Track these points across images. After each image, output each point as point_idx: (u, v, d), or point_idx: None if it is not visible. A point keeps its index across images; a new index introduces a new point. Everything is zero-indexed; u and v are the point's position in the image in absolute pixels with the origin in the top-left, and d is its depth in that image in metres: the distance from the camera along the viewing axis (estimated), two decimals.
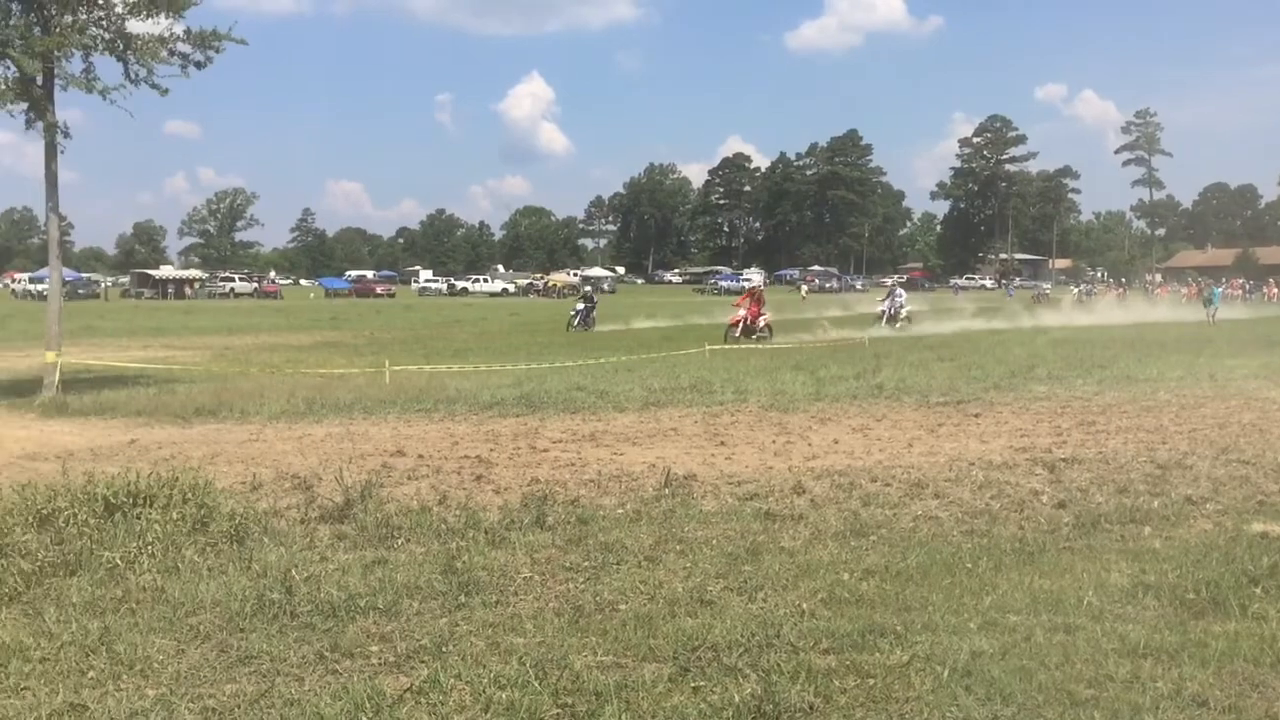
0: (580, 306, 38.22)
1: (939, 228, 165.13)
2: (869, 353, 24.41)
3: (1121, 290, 77.52)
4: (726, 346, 26.93)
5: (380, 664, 5.04)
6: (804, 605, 5.83)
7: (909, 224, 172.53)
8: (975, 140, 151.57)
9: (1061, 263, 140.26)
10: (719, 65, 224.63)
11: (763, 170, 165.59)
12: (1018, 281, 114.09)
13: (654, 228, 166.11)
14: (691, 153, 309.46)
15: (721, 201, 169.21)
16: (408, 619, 5.68)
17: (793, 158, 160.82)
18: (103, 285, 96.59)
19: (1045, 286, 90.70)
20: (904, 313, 37.36)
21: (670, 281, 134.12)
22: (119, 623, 5.56)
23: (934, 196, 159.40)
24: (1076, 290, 78.26)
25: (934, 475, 9.54)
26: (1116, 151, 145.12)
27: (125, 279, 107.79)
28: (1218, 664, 4.88)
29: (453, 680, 4.71)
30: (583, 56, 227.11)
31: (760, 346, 27.07)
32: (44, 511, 7.38)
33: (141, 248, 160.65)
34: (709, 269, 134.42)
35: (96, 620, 5.60)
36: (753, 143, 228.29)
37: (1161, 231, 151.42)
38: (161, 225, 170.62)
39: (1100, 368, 19.60)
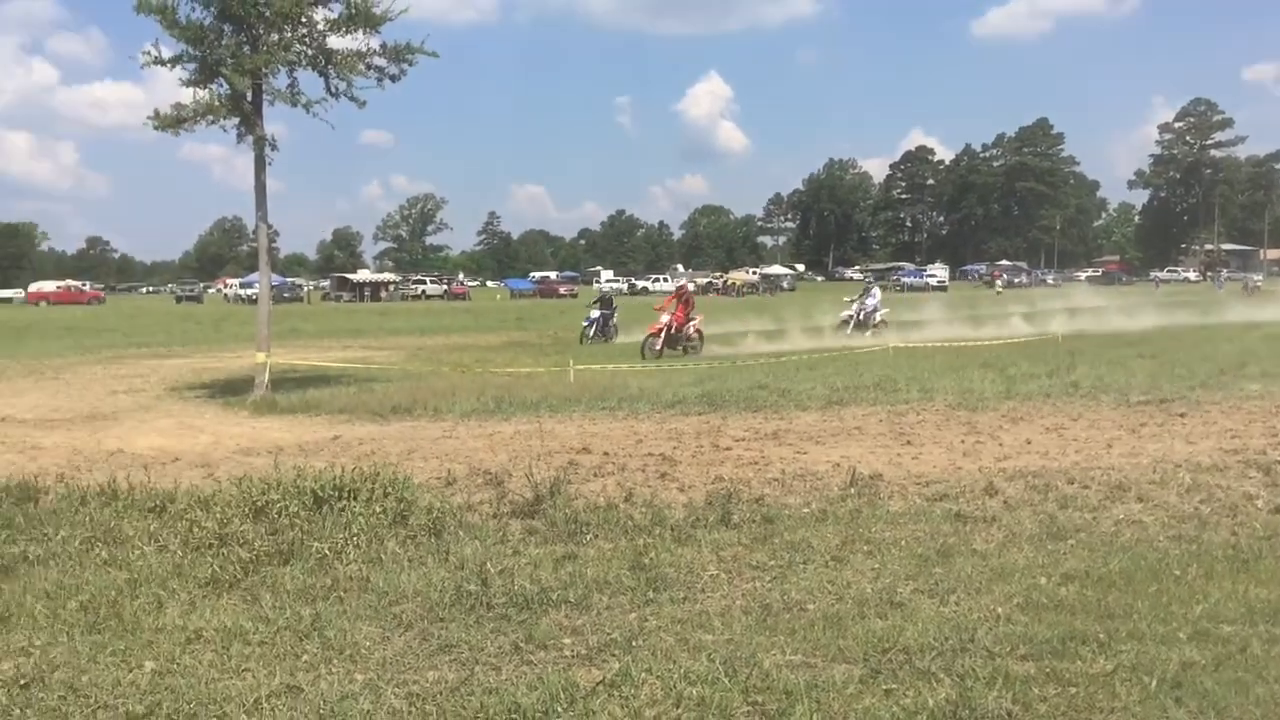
0: (595, 314, 32.20)
1: (1137, 218, 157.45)
2: (1062, 349, 23.47)
3: None
4: (647, 364, 22.77)
5: (573, 656, 5.16)
6: (999, 610, 5.67)
7: (1104, 215, 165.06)
8: (1177, 125, 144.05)
9: (1274, 253, 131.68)
10: (901, 57, 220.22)
11: (946, 163, 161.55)
12: (1225, 274, 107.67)
13: (834, 224, 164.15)
14: (872, 147, 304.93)
15: (904, 196, 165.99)
16: (598, 613, 5.80)
17: (978, 149, 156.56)
18: (305, 289, 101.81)
19: (1257, 278, 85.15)
20: (877, 316, 32.77)
21: (851, 278, 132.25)
22: (329, 610, 5.87)
23: (1131, 186, 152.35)
24: None
25: (1136, 478, 9.11)
26: None
27: (325, 283, 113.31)
28: None
29: (644, 674, 4.79)
30: (762, 53, 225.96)
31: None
32: (259, 503, 7.85)
33: (340, 253, 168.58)
34: (891, 265, 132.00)
35: (308, 607, 5.92)
36: (935, 135, 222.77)
37: None
38: (358, 231, 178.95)
39: None
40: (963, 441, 11.58)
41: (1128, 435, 11.70)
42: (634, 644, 5.26)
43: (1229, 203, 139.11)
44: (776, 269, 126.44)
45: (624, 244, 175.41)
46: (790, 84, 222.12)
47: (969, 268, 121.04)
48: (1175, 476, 9.09)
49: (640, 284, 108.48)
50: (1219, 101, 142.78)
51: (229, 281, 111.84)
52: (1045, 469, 9.73)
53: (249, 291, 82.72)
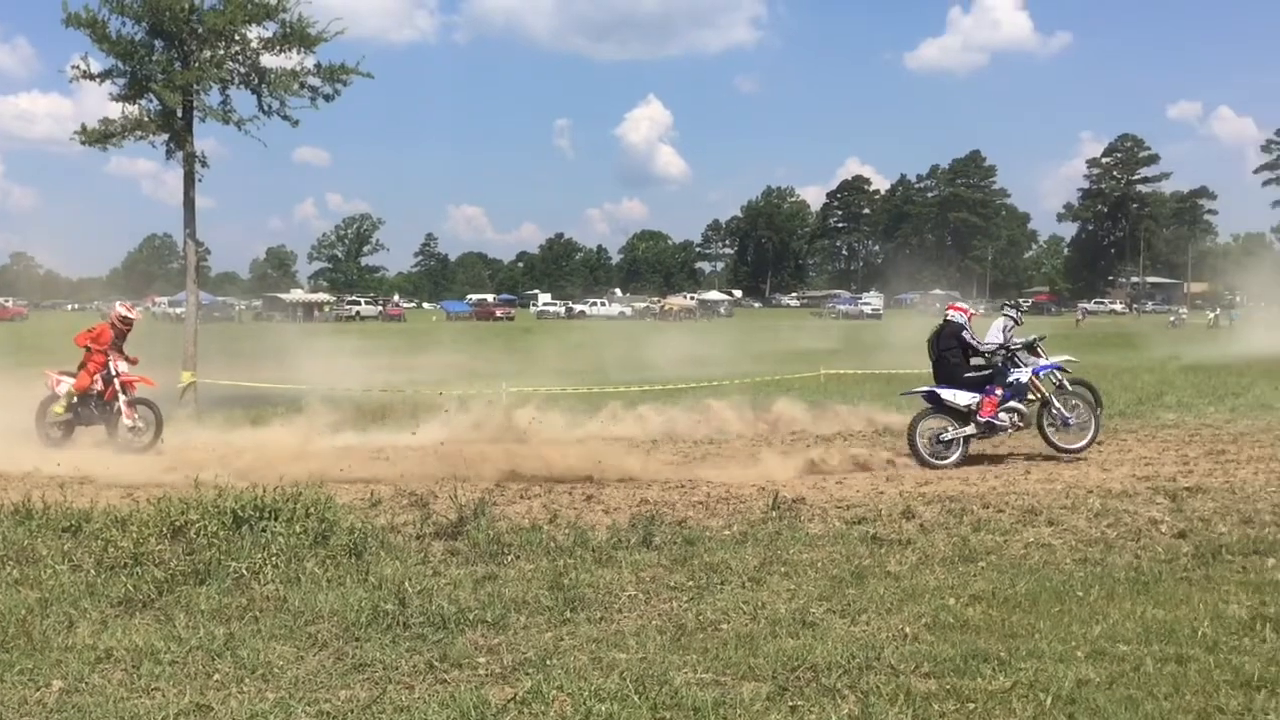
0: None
1: (1066, 250, 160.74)
2: None
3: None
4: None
5: (487, 675, 5.20)
6: (907, 629, 5.81)
7: (1034, 246, 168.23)
8: (1104, 160, 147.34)
9: (1197, 287, 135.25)
10: (838, 87, 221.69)
11: (882, 193, 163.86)
12: (1150, 305, 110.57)
13: (771, 251, 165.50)
14: (809, 175, 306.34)
15: (840, 225, 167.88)
16: (515, 632, 5.85)
17: (913, 179, 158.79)
18: (236, 308, 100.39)
19: (1182, 311, 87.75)
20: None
21: (788, 305, 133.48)
22: (243, 629, 5.85)
23: (1061, 218, 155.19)
24: (1212, 315, 75.32)
25: (1049, 502, 9.35)
26: (1256, 171, 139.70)
27: (258, 302, 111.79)
28: None
29: (555, 691, 4.85)
30: (701, 80, 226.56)
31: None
32: (177, 523, 7.79)
33: (273, 272, 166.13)
34: (827, 292, 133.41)
35: (223, 626, 5.90)
36: (871, 164, 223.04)
37: None
38: (292, 250, 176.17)
39: (1234, 395, 18.83)
40: (886, 467, 11.82)
41: (1045, 461, 12.01)
42: (548, 662, 5.32)
43: (1154, 236, 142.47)
44: (714, 295, 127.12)
45: (562, 267, 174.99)
46: (729, 111, 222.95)
47: (904, 296, 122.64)
48: (1086, 502, 9.34)
49: (578, 308, 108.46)
50: (1145, 137, 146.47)
51: (157, 299, 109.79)
52: (964, 494, 9.95)
53: (178, 310, 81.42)
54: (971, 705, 4.72)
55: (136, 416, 13.57)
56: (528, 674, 5.15)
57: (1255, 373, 24.95)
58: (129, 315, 14.42)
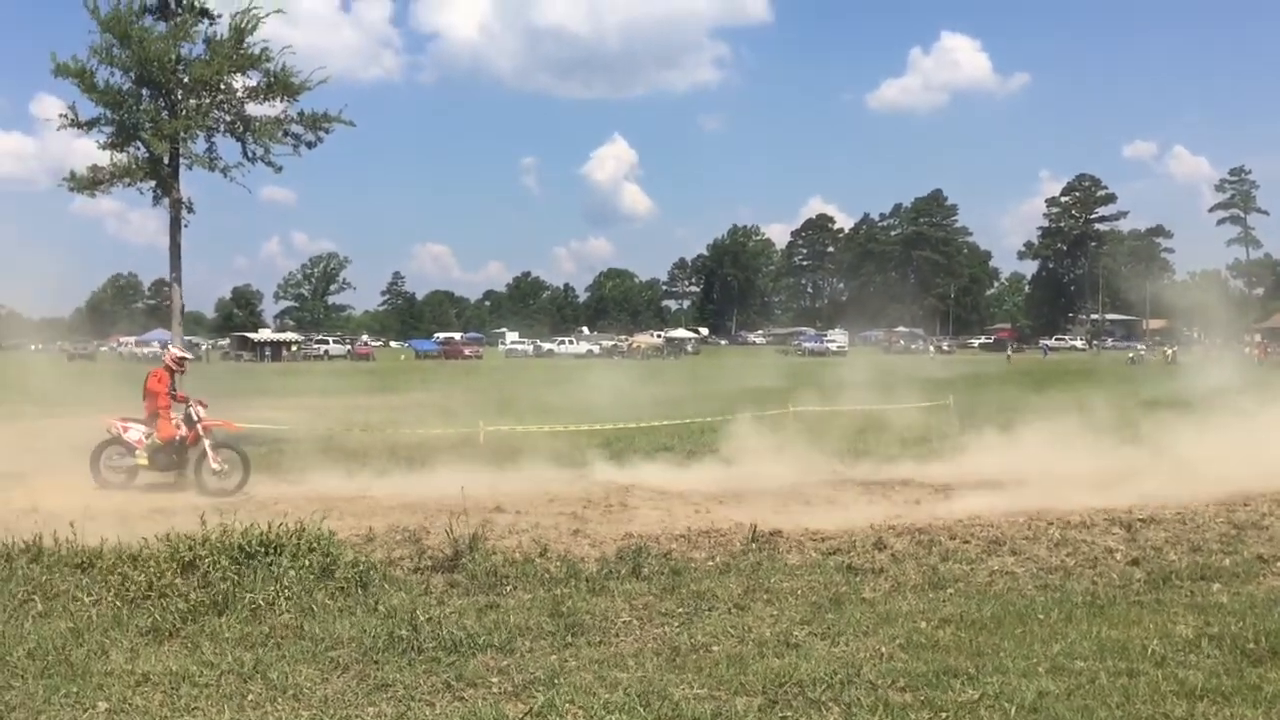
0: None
1: (1027, 288, 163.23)
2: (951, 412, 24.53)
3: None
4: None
5: (500, 693, 5.65)
6: (883, 649, 6.32)
7: (996, 284, 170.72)
8: (1063, 199, 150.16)
9: (1155, 323, 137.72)
10: (801, 126, 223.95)
11: (846, 231, 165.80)
12: (1110, 342, 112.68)
13: (737, 289, 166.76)
14: (774, 213, 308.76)
15: (805, 262, 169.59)
16: (521, 655, 6.30)
17: (876, 218, 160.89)
18: (203, 348, 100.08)
19: (1141, 348, 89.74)
20: None
21: (754, 342, 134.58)
22: (268, 655, 6.27)
23: (1021, 256, 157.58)
24: (1169, 351, 76.93)
25: (1012, 534, 9.90)
26: (1211, 210, 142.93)
27: (225, 342, 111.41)
28: (1268, 704, 5.27)
29: (567, 705, 5.32)
30: (665, 119, 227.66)
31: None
32: (187, 558, 8.17)
33: (239, 311, 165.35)
34: (793, 330, 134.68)
35: (249, 652, 6.31)
36: (835, 203, 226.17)
37: (1260, 291, 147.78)
38: (258, 289, 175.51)
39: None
40: (857, 500, 12.36)
41: (1008, 494, 12.59)
42: (556, 681, 5.77)
43: (1112, 274, 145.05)
44: (681, 333, 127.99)
45: (529, 305, 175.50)
46: (694, 150, 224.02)
47: (867, 333, 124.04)
48: (1046, 532, 9.91)
49: (546, 346, 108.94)
50: (1102, 177, 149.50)
51: (122, 339, 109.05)
52: (931, 526, 10.48)
53: (146, 350, 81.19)
54: (944, 714, 5.22)
55: (221, 460, 13.91)
56: (539, 691, 5.61)
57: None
58: (185, 355, 14.86)
